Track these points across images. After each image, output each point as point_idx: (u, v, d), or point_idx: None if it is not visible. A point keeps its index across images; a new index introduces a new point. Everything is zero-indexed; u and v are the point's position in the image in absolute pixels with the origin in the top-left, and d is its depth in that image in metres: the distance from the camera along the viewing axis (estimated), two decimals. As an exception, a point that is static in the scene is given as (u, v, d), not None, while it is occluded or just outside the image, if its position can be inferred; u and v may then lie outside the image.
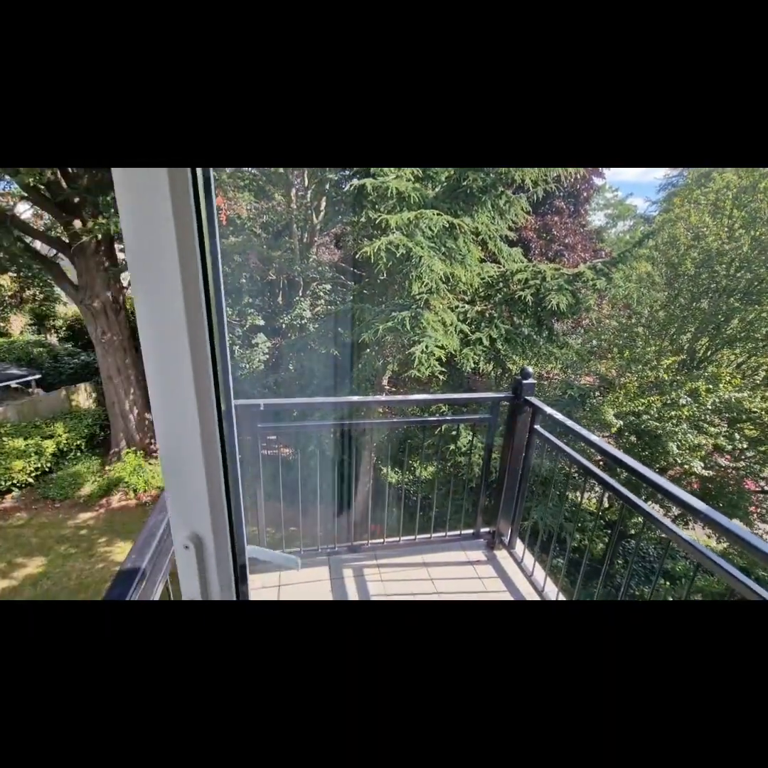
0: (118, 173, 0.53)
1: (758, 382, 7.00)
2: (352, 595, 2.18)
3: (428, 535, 2.53)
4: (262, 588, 2.10)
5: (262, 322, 9.00)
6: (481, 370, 6.26)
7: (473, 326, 6.02)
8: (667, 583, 6.62)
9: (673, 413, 6.04)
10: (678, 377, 7.01)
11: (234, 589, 0.75)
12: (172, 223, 0.54)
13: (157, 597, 0.96)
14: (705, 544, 1.37)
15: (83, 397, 10.86)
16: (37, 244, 9.14)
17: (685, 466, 6.03)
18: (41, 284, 12.55)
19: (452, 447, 6.07)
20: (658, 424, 6.03)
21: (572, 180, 9.15)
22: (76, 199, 7.73)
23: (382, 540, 2.49)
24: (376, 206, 5.57)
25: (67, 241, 8.36)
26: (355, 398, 2.72)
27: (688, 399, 6.17)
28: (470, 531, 2.59)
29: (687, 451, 5.94)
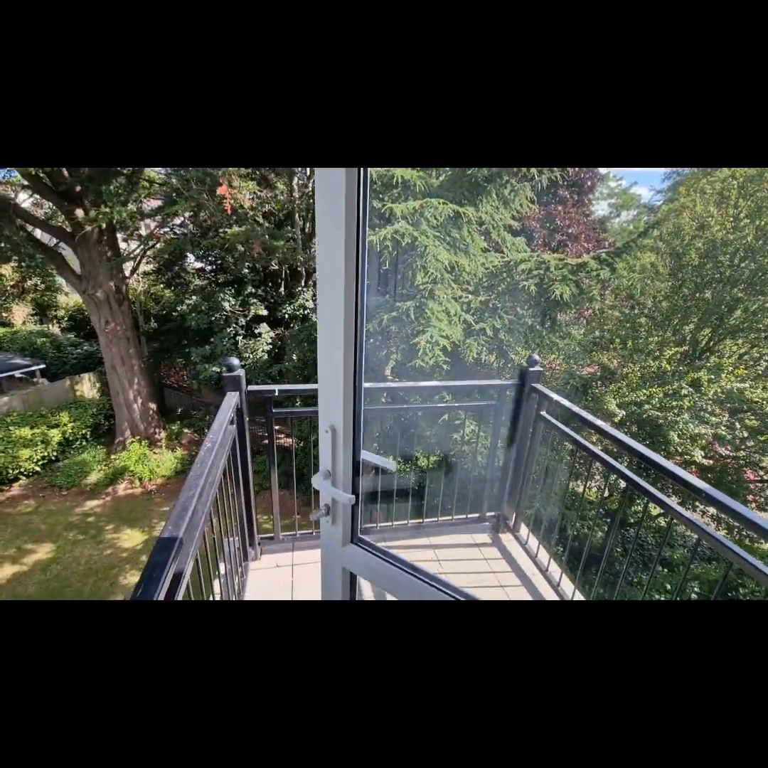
0: (318, 173, 0.70)
1: (760, 372, 7.01)
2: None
3: (435, 519, 2.59)
4: (276, 567, 2.17)
5: (264, 312, 9.01)
6: (483, 361, 6.29)
7: (476, 316, 6.03)
8: (665, 570, 6.72)
9: (674, 403, 6.07)
10: (680, 368, 7.04)
11: (351, 479, 1.05)
12: (343, 218, 0.69)
13: (190, 567, 1.01)
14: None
15: (87, 386, 10.91)
16: (38, 233, 9.10)
17: (686, 456, 6.09)
18: (43, 274, 12.52)
19: (456, 436, 6.13)
20: (659, 414, 6.07)
21: (576, 169, 9.09)
22: (78, 188, 7.69)
23: (390, 523, 2.55)
24: (381, 195, 5.55)
25: (69, 230, 8.34)
26: (367, 384, 2.76)
27: (690, 389, 6.19)
28: (476, 515, 2.65)
29: (688, 440, 5.99)
